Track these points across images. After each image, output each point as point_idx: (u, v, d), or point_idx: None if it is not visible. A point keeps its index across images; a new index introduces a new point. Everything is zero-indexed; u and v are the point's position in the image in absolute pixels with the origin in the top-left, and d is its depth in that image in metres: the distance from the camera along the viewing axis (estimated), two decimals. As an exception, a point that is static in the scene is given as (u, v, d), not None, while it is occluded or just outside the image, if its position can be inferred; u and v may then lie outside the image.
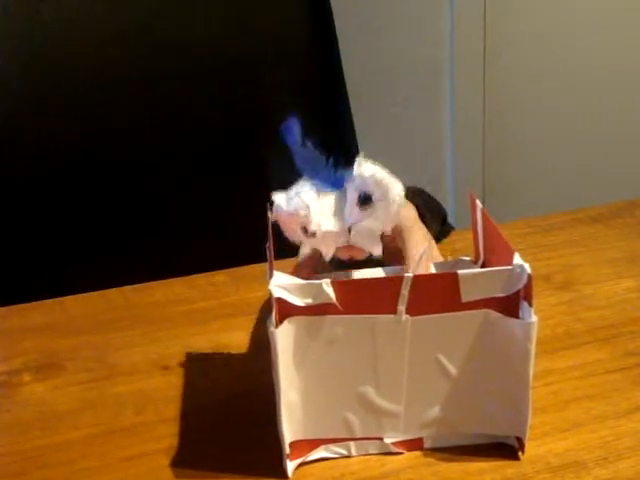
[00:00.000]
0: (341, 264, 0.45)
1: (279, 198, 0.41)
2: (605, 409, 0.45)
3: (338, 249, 0.42)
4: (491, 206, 1.70)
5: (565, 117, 1.73)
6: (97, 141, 0.74)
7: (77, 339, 0.56)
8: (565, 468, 0.41)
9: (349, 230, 0.41)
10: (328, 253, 0.42)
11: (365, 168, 0.41)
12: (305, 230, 0.41)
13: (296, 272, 0.44)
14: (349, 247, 0.42)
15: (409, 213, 0.49)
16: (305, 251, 0.46)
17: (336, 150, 0.82)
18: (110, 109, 0.74)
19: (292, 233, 0.42)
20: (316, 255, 0.44)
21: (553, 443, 0.43)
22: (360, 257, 0.43)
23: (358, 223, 0.41)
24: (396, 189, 0.41)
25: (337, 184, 0.41)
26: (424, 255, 0.43)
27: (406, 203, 0.51)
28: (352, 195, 0.41)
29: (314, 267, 0.45)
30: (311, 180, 0.42)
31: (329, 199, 0.41)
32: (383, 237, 0.43)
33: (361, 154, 0.42)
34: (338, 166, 0.42)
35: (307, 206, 0.41)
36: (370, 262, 0.45)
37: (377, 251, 0.43)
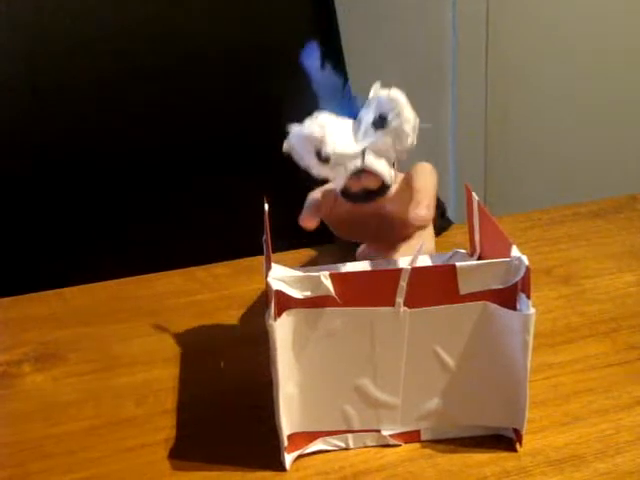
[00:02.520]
0: (351, 197, 0.44)
1: (295, 125, 0.41)
2: (605, 403, 0.45)
3: (350, 179, 0.42)
4: (493, 200, 1.71)
5: (567, 111, 1.72)
6: (98, 134, 0.74)
7: (78, 330, 0.56)
8: (565, 462, 0.41)
9: (363, 153, 0.41)
10: (340, 180, 0.42)
11: (380, 90, 0.41)
12: (318, 154, 0.41)
13: (303, 221, 0.44)
14: (362, 175, 0.41)
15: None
16: (313, 198, 0.46)
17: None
18: (111, 103, 0.74)
19: (304, 158, 0.41)
20: (322, 205, 0.43)
21: (553, 436, 0.43)
22: (372, 186, 0.42)
23: (373, 144, 0.41)
24: (411, 110, 0.41)
25: (353, 112, 0.41)
26: (421, 250, 0.43)
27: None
28: (367, 117, 0.41)
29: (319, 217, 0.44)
30: (327, 107, 0.41)
31: (345, 123, 0.41)
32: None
33: (378, 82, 0.42)
34: (355, 93, 0.41)
35: (323, 126, 0.40)
36: (380, 192, 0.44)
37: (389, 178, 0.42)
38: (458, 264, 0.39)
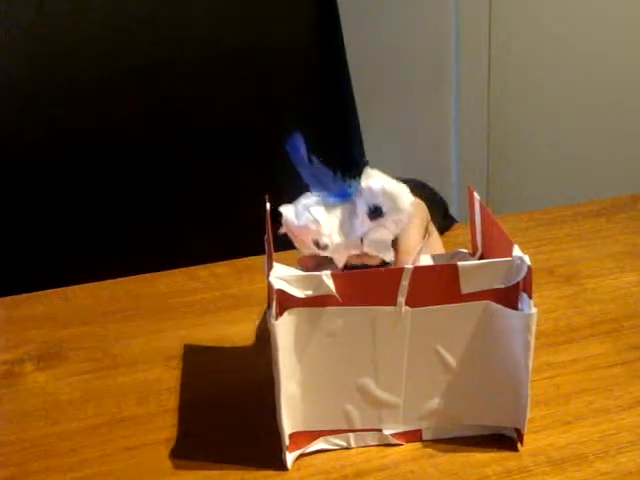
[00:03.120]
0: (353, 268, 0.45)
1: (287, 211, 0.41)
2: (606, 403, 0.45)
3: (350, 257, 0.42)
4: (495, 199, 1.70)
5: (569, 111, 1.72)
6: (99, 134, 0.74)
7: (79, 329, 0.56)
8: (566, 461, 0.41)
9: (361, 240, 0.41)
10: (340, 261, 0.43)
11: (373, 180, 0.41)
12: (317, 243, 0.41)
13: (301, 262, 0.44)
14: (361, 255, 0.42)
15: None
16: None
17: (340, 144, 0.82)
18: (111, 103, 0.74)
19: (304, 245, 0.42)
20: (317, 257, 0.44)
21: (554, 436, 0.43)
22: (373, 263, 0.43)
23: (369, 234, 0.41)
24: (405, 198, 0.41)
25: (345, 196, 0.42)
26: (420, 253, 0.43)
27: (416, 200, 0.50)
28: (361, 206, 0.41)
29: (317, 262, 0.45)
30: (319, 194, 0.42)
31: (338, 211, 0.42)
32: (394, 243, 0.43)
33: (367, 168, 0.42)
34: (346, 179, 0.42)
35: (317, 220, 0.41)
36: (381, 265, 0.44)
37: (389, 257, 0.43)
38: (460, 263, 0.39)
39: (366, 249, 0.41)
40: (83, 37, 0.73)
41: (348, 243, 0.41)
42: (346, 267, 0.44)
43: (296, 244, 0.42)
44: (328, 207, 0.41)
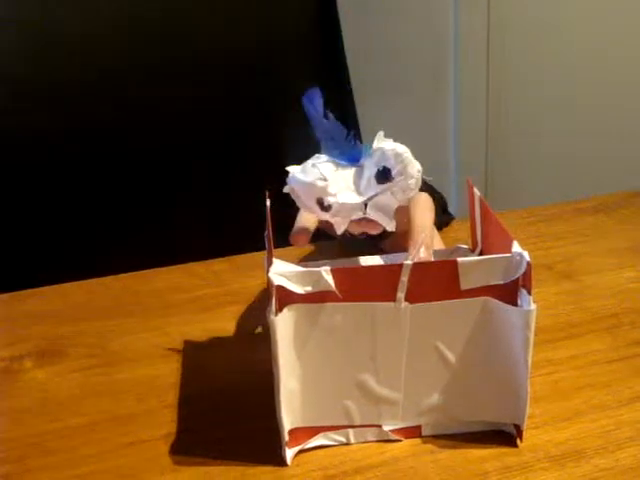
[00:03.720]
0: (351, 238, 0.45)
1: (294, 169, 0.41)
2: (606, 399, 0.45)
3: (351, 223, 0.42)
4: (494, 195, 1.70)
5: (568, 107, 1.72)
6: (99, 132, 0.74)
7: (78, 326, 0.56)
8: (565, 457, 0.41)
9: (365, 205, 0.41)
10: (341, 226, 0.42)
11: (386, 142, 0.41)
12: (320, 202, 0.41)
13: (294, 240, 0.44)
14: (363, 221, 0.42)
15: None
16: (303, 220, 0.46)
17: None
18: (112, 102, 0.74)
19: (305, 204, 0.41)
20: (312, 227, 0.44)
21: (553, 432, 0.43)
22: (373, 232, 0.43)
23: (375, 197, 0.41)
24: (415, 165, 0.41)
25: (355, 158, 0.41)
26: (423, 243, 0.43)
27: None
28: (370, 168, 0.41)
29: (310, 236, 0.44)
30: (330, 153, 0.41)
31: (347, 172, 0.41)
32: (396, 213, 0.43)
33: (381, 131, 0.41)
34: (358, 140, 0.41)
35: (325, 177, 0.40)
36: (380, 236, 0.44)
37: (391, 227, 0.42)
38: (459, 259, 0.39)
39: (369, 212, 0.41)
40: (83, 37, 0.73)
41: (352, 205, 0.41)
42: (344, 236, 0.44)
43: (298, 203, 0.41)
44: (337, 167, 0.41)
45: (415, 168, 0.41)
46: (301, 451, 0.42)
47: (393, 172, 0.40)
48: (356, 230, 0.42)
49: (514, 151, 1.74)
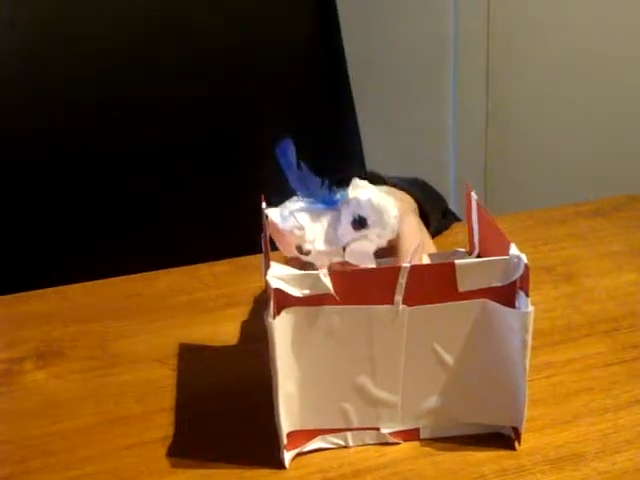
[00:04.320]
0: None
1: (273, 214, 0.42)
2: (604, 402, 0.45)
3: (333, 264, 0.43)
4: (493, 198, 1.70)
5: (568, 110, 1.72)
6: (99, 133, 0.74)
7: (79, 328, 0.57)
8: (564, 460, 0.41)
9: (343, 249, 0.42)
10: (323, 267, 0.43)
11: (361, 191, 0.41)
12: (300, 248, 0.42)
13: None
14: (343, 264, 0.42)
15: (403, 204, 0.49)
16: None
17: (338, 144, 0.82)
18: (112, 102, 0.74)
19: (287, 249, 0.42)
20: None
21: (552, 435, 0.43)
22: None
23: (352, 243, 0.42)
24: (391, 213, 0.41)
25: (331, 204, 0.42)
26: (419, 248, 0.43)
27: (398, 193, 0.51)
28: (347, 216, 0.41)
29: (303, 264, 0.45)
30: (306, 200, 0.42)
31: (323, 218, 0.42)
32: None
33: (355, 179, 0.42)
34: (333, 187, 0.42)
35: (302, 227, 0.41)
36: None
37: (372, 265, 0.43)
38: (457, 262, 0.39)
39: (347, 258, 0.42)
40: (83, 37, 0.73)
41: (330, 251, 0.42)
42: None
43: (279, 247, 0.42)
44: (313, 214, 0.41)
45: (391, 216, 0.41)
46: (299, 454, 0.42)
47: (369, 221, 0.41)
48: (338, 268, 0.43)
49: (514, 154, 1.74)
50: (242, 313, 0.57)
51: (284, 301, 0.39)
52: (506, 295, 0.39)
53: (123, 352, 0.53)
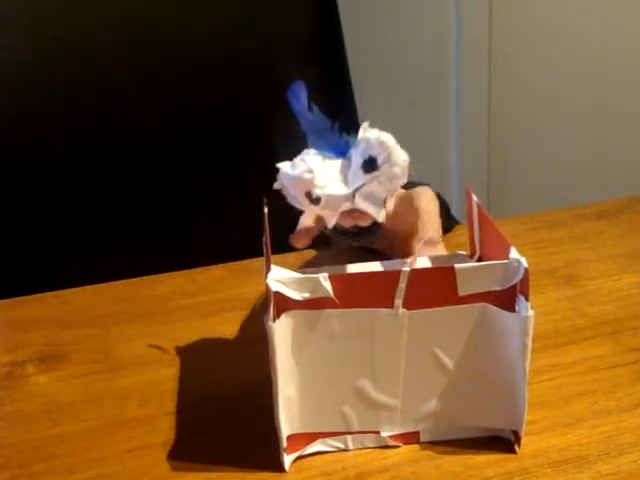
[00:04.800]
0: (343, 233, 0.45)
1: (284, 165, 0.41)
2: (607, 404, 0.45)
3: (341, 216, 0.42)
4: (495, 201, 1.70)
5: (570, 113, 1.72)
6: (100, 135, 0.74)
7: (80, 331, 0.57)
8: (567, 463, 0.41)
9: (353, 195, 0.41)
10: (331, 219, 0.42)
11: (370, 132, 0.41)
12: (309, 195, 0.41)
13: (295, 241, 0.44)
14: (352, 213, 0.42)
15: (425, 195, 0.49)
16: (305, 221, 0.46)
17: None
18: (112, 103, 0.74)
19: (296, 198, 0.42)
20: (315, 228, 0.44)
21: (555, 438, 0.43)
22: (363, 223, 0.43)
23: (362, 187, 0.41)
24: (401, 154, 0.41)
25: (342, 151, 0.41)
26: (421, 250, 0.43)
27: (424, 189, 0.51)
28: (357, 159, 0.41)
29: (312, 238, 0.45)
30: (316, 146, 0.42)
31: (334, 164, 0.41)
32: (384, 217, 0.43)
33: (366, 122, 0.42)
34: (343, 132, 0.42)
35: (311, 170, 0.41)
36: (372, 229, 0.44)
37: (381, 217, 0.42)
38: (457, 266, 0.39)
39: (357, 202, 0.41)
40: (84, 38, 0.73)
41: (340, 197, 0.41)
42: (336, 230, 0.44)
43: (288, 199, 0.42)
44: (324, 160, 0.41)
45: (400, 156, 0.41)
46: (301, 457, 0.42)
47: (378, 160, 0.41)
48: (347, 223, 0.42)
49: (516, 156, 1.73)
50: (243, 316, 0.57)
51: (284, 304, 0.39)
52: (506, 299, 0.39)
53: (125, 356, 0.53)
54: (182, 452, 0.44)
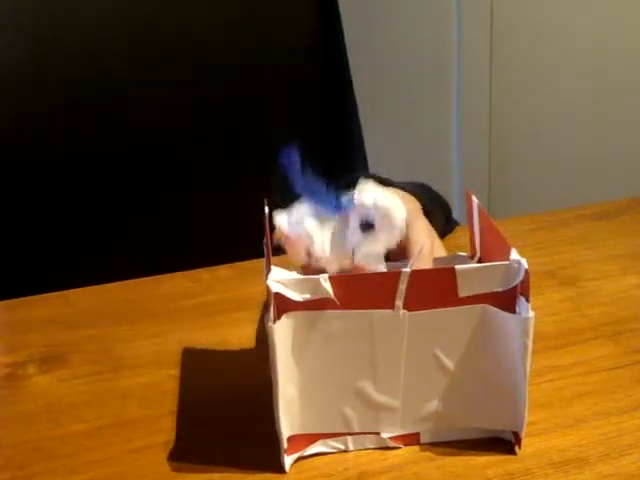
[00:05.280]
0: None
1: (281, 221, 0.42)
2: (608, 405, 0.45)
3: (342, 272, 0.43)
4: (497, 202, 1.70)
5: (571, 114, 1.72)
6: (100, 136, 0.74)
7: (82, 332, 0.57)
8: (568, 464, 0.41)
9: (353, 253, 0.42)
10: (333, 271, 0.43)
11: (366, 195, 0.41)
12: (309, 254, 0.42)
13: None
14: (354, 268, 0.42)
15: (412, 206, 0.49)
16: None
17: (342, 146, 0.82)
18: (112, 103, 0.74)
19: (296, 256, 0.42)
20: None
21: (556, 439, 0.43)
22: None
23: (361, 246, 0.42)
24: (398, 214, 0.41)
25: (338, 209, 0.42)
26: (423, 249, 0.43)
27: (407, 195, 0.51)
28: (354, 223, 0.41)
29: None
30: (312, 206, 0.42)
31: (331, 223, 0.42)
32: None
33: (361, 180, 0.42)
34: (339, 192, 0.42)
35: (309, 234, 0.41)
36: None
37: (381, 269, 0.43)
38: (457, 267, 0.39)
39: (357, 261, 0.42)
40: (84, 38, 0.73)
41: (340, 255, 0.42)
42: None
43: (289, 254, 0.42)
44: (321, 219, 0.42)
45: (398, 217, 0.41)
46: (302, 458, 0.42)
47: (376, 225, 0.41)
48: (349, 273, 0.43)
49: (517, 157, 1.74)
50: (245, 317, 0.57)
51: (285, 306, 0.39)
52: (506, 300, 0.39)
53: (126, 356, 0.53)
54: (183, 453, 0.44)
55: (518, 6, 1.65)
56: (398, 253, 0.46)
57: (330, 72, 0.80)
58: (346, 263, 0.42)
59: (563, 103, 1.70)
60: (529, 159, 1.74)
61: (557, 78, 1.69)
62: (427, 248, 0.45)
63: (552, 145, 1.72)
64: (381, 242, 0.41)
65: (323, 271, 0.41)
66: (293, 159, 0.41)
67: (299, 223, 0.41)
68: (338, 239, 0.42)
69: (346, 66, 0.80)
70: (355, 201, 0.41)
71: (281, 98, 0.75)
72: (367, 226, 0.41)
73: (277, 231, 0.42)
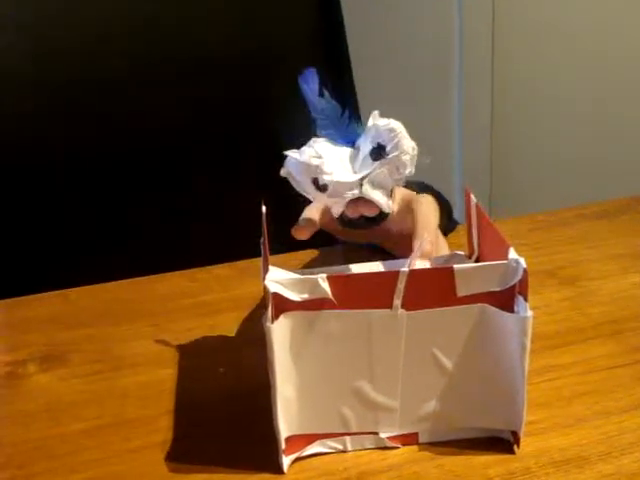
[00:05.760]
0: (348, 223, 0.45)
1: (291, 152, 0.41)
2: (608, 404, 0.45)
3: (348, 205, 0.42)
4: (497, 201, 1.70)
5: (572, 113, 1.71)
6: (100, 135, 0.74)
7: (81, 331, 0.57)
8: (569, 463, 0.41)
9: (361, 183, 0.41)
10: (338, 207, 0.42)
11: (380, 119, 0.41)
12: (316, 182, 0.41)
13: (296, 232, 0.44)
14: (359, 202, 0.41)
15: (424, 198, 0.49)
16: (308, 212, 0.46)
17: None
18: (110, 104, 0.74)
19: (302, 185, 0.42)
20: (316, 223, 0.44)
21: (556, 438, 0.43)
22: (369, 213, 0.43)
23: (370, 175, 0.41)
24: (409, 142, 0.41)
25: (351, 139, 0.41)
26: (421, 249, 0.43)
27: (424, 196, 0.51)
28: (365, 146, 0.41)
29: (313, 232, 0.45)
30: (325, 133, 0.42)
31: (342, 151, 0.41)
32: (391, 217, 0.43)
33: (376, 111, 0.42)
34: (353, 120, 0.42)
35: (320, 155, 0.40)
36: (378, 219, 0.44)
37: (386, 206, 0.42)
38: (456, 266, 0.39)
39: (365, 190, 0.41)
40: (85, 38, 0.73)
41: (347, 184, 0.41)
42: (341, 220, 0.43)
43: (295, 186, 0.42)
44: (333, 147, 0.41)
45: (409, 144, 0.41)
46: (301, 459, 0.42)
47: (387, 148, 0.40)
48: (353, 213, 0.42)
49: (518, 157, 1.73)
50: (244, 316, 0.57)
51: (282, 305, 0.39)
52: (505, 299, 0.39)
53: (126, 355, 0.53)
54: (181, 453, 0.44)
55: (520, 5, 1.65)
56: (403, 221, 0.45)
57: (331, 72, 0.80)
58: (352, 194, 0.41)
59: (564, 103, 1.70)
60: (530, 159, 1.73)
61: (558, 78, 1.68)
62: (433, 233, 0.44)
63: (553, 144, 1.72)
64: (390, 174, 0.40)
65: (324, 209, 0.40)
66: (311, 81, 0.40)
67: (310, 147, 0.40)
68: (348, 167, 0.41)
69: (347, 66, 0.79)
70: (369, 125, 0.41)
71: (281, 98, 0.75)
72: (378, 153, 0.40)
73: (285, 163, 0.41)
